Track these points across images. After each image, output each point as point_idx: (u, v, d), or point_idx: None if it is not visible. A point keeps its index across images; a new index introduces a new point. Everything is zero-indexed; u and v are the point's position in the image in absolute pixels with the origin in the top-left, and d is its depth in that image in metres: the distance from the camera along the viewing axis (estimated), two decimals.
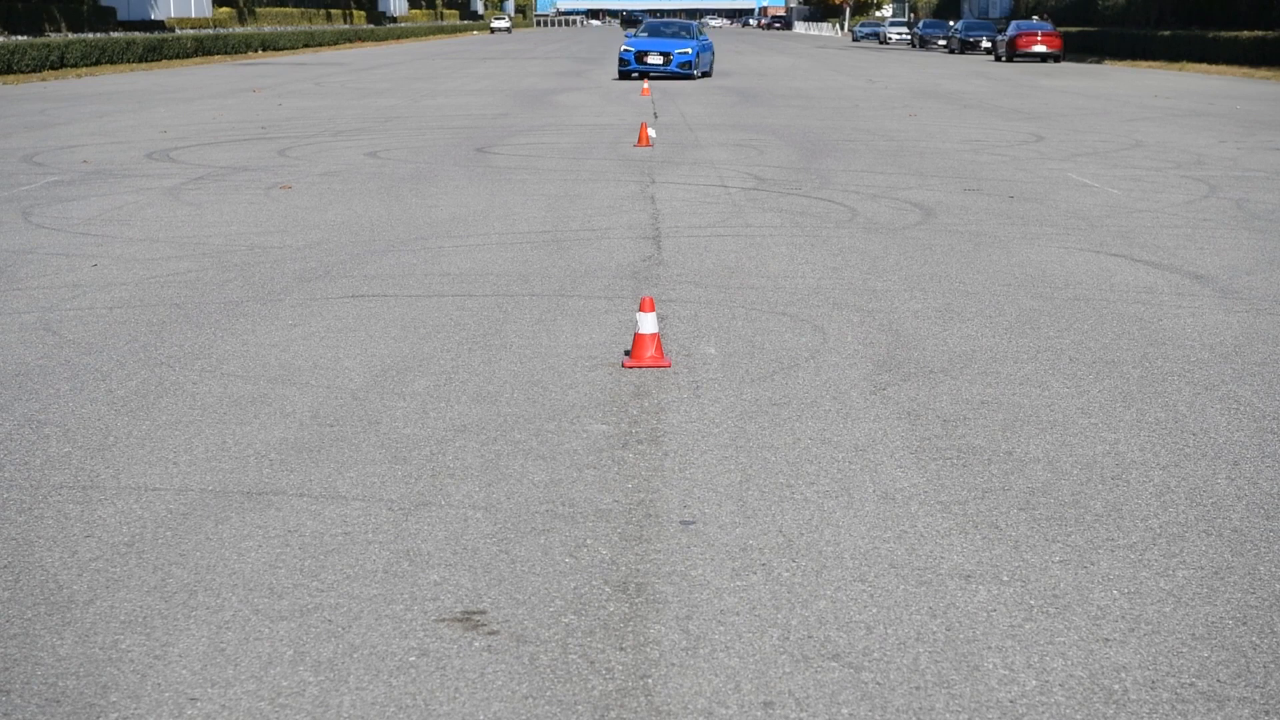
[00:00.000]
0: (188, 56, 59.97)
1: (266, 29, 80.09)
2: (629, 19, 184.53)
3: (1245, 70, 47.38)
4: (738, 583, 4.80)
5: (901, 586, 4.77)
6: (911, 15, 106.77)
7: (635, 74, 41.34)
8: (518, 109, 29.10)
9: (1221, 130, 23.95)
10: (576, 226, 12.79)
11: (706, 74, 43.16)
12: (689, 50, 41.91)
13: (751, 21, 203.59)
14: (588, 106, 30.13)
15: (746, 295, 9.65)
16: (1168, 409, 6.93)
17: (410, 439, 6.39)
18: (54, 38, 50.50)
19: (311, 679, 4.13)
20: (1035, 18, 71.09)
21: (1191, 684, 4.11)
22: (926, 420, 6.70)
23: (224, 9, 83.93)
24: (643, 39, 43.31)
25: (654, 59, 41.44)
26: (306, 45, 79.20)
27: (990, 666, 4.20)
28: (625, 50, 42.00)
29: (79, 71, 46.49)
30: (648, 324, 7.68)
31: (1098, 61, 59.36)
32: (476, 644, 4.34)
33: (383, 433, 6.48)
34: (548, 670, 4.18)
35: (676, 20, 47.10)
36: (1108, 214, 13.70)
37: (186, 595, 4.70)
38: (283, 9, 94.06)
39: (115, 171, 17.34)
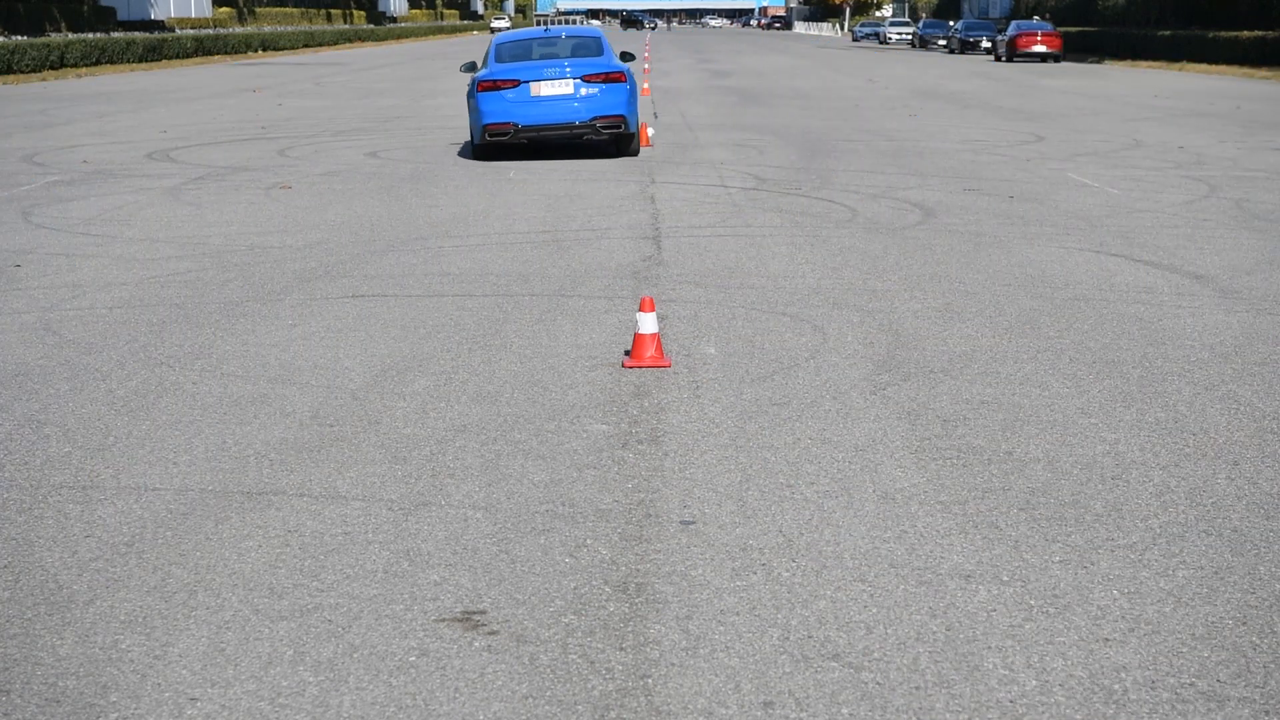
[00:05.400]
0: (188, 56, 59.97)
1: (266, 29, 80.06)
2: (629, 19, 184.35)
3: (1245, 70, 47.37)
4: (738, 583, 4.80)
5: (901, 586, 4.77)
6: (921, 15, 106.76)
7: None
8: None
9: (1221, 130, 23.94)
10: (576, 226, 12.79)
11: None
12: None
13: (752, 22, 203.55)
14: None
15: (746, 295, 9.65)
16: (1168, 409, 6.93)
17: (410, 439, 6.38)
18: (54, 38, 50.50)
19: (311, 679, 4.13)
20: (1035, 18, 71.10)
21: (1191, 684, 4.11)
22: (926, 420, 6.70)
23: (224, 9, 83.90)
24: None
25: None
26: (306, 45, 79.19)
27: (990, 666, 4.20)
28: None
29: (79, 71, 46.49)
30: (648, 324, 7.68)
31: (1098, 61, 59.35)
32: (476, 644, 4.34)
33: (383, 433, 6.48)
34: (548, 670, 4.18)
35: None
36: (1108, 214, 13.70)
37: (186, 595, 4.70)
38: (283, 9, 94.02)
39: (115, 171, 17.34)
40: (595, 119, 18.28)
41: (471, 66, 19.69)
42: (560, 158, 18.97)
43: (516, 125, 18.12)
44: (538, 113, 18.22)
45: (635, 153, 19.05)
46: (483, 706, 3.98)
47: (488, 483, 5.80)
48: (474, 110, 18.46)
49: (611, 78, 18.53)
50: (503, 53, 19.36)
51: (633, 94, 18.83)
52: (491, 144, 18.48)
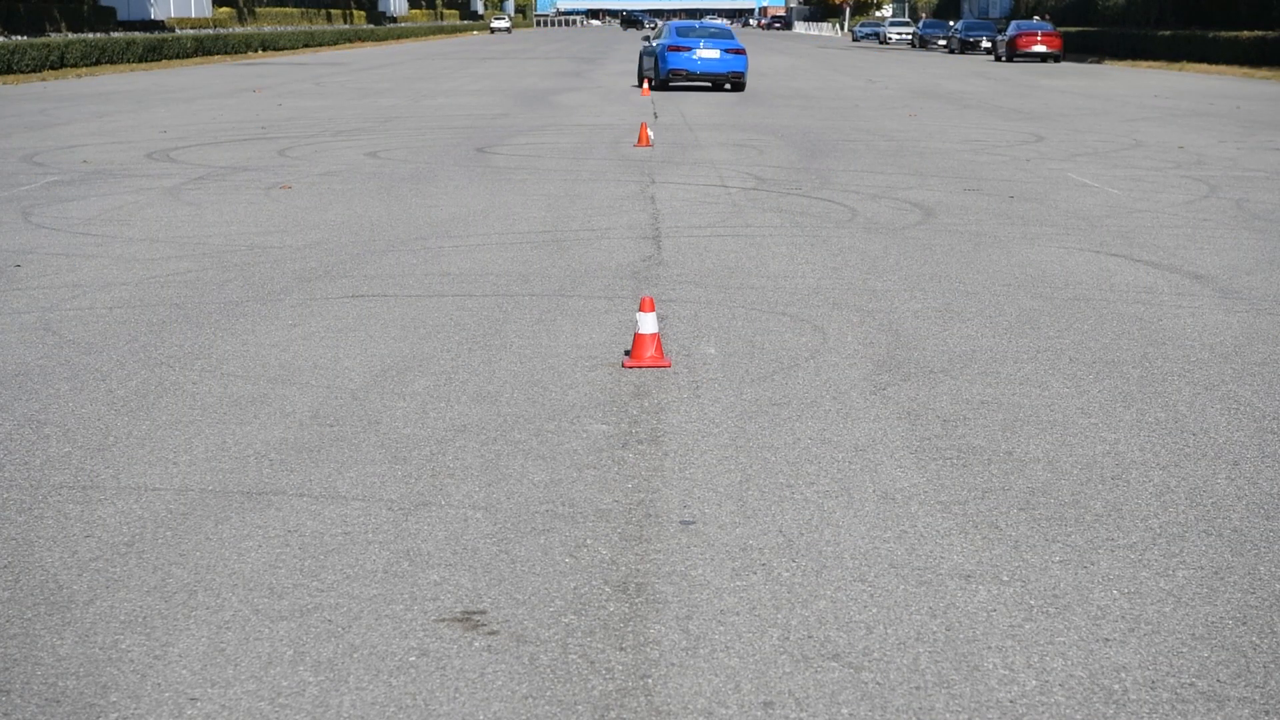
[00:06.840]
0: (188, 56, 59.97)
1: (266, 29, 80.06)
2: (629, 19, 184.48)
3: (1245, 70, 47.39)
4: (738, 583, 4.80)
5: (901, 586, 4.77)
6: (921, 15, 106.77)
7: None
8: (518, 109, 29.11)
9: (1221, 130, 23.95)
10: (576, 226, 12.79)
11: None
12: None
13: (752, 21, 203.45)
14: (588, 106, 30.13)
15: (746, 295, 9.65)
16: (1168, 409, 6.93)
17: (410, 439, 6.39)
18: (54, 38, 50.50)
19: (311, 679, 4.13)
20: (1035, 18, 71.10)
21: (1191, 684, 4.11)
22: (926, 420, 6.70)
23: (224, 9, 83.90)
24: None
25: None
26: (306, 45, 79.18)
27: (990, 666, 4.20)
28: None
29: (79, 71, 46.49)
30: (648, 324, 7.68)
31: (1098, 61, 59.36)
32: (476, 644, 4.34)
33: (383, 433, 6.48)
34: (548, 670, 4.18)
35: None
36: (1108, 214, 13.70)
37: (186, 595, 4.70)
38: (283, 9, 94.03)
39: (115, 171, 17.34)
40: (729, 72, 35.05)
41: (647, 38, 39.73)
42: (561, 156, 19.00)
43: (687, 71, 35.16)
44: (699, 65, 35.09)
45: (743, 89, 35.27)
46: (483, 706, 3.98)
47: (488, 483, 5.80)
48: (661, 60, 35.67)
49: (739, 51, 35.21)
50: (680, 32, 36.34)
51: (746, 61, 35.45)
52: (666, 81, 35.40)
